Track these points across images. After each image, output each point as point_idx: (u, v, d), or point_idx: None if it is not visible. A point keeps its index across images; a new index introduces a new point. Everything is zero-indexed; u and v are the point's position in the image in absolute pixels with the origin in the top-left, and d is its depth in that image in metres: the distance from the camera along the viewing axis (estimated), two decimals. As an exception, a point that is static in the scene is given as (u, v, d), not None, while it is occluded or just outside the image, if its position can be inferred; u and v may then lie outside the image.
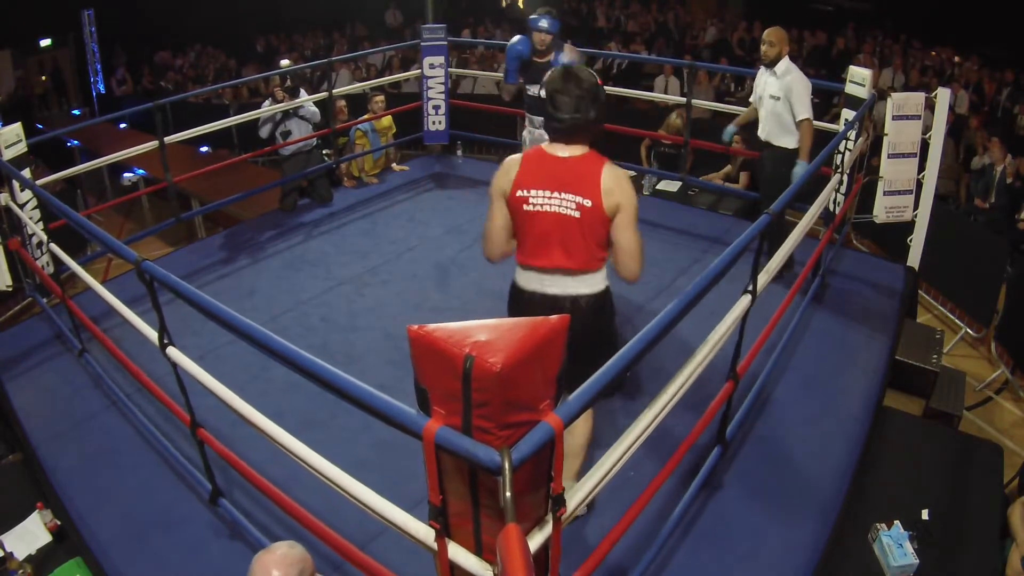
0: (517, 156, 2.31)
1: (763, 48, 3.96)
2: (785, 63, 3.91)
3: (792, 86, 3.84)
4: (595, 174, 2.19)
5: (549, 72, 2.34)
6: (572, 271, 2.29)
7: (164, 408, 2.77)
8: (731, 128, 4.51)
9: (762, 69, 4.07)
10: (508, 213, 2.30)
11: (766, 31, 3.99)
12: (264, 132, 5.29)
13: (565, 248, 2.25)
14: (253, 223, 5.30)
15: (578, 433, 2.44)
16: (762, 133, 4.13)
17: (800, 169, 3.86)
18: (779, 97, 3.90)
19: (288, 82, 5.19)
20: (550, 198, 2.21)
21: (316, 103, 5.45)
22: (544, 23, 4.12)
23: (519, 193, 2.24)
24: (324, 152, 5.80)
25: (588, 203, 2.18)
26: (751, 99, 4.30)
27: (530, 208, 2.23)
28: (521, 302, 2.40)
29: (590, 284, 2.33)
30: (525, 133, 4.47)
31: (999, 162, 6.20)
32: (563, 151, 2.23)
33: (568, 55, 4.16)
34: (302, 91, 5.37)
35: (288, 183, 5.42)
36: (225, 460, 2.42)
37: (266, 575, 1.53)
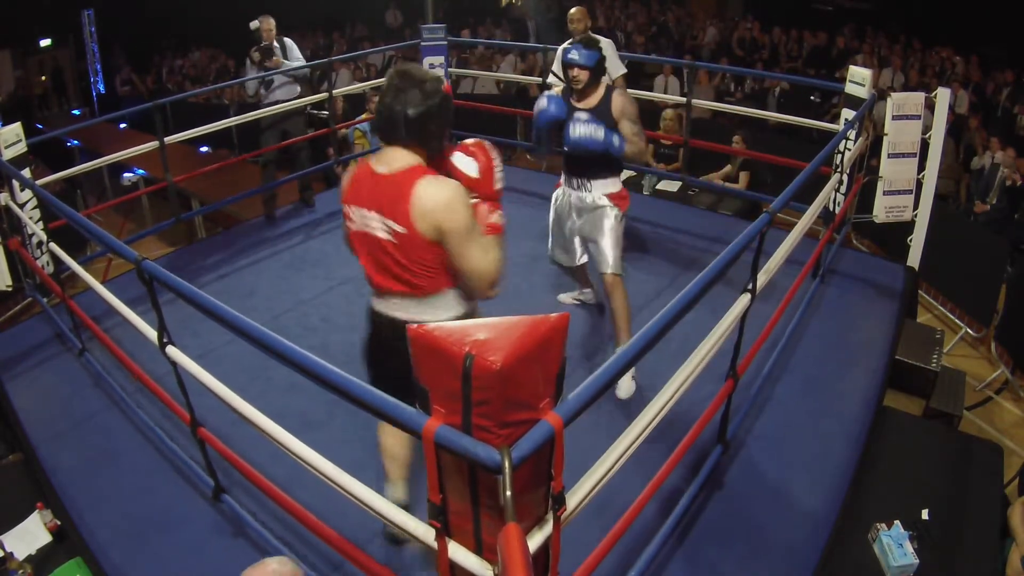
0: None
1: (572, 25, 4.51)
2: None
3: (604, 50, 4.27)
4: (407, 193, 1.89)
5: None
6: (412, 296, 2.05)
7: (164, 408, 2.77)
8: None
9: (569, 44, 4.41)
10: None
11: (573, 10, 4.52)
12: (251, 88, 5.27)
13: (394, 273, 2.02)
14: (253, 223, 5.30)
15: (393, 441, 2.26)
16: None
17: None
18: None
19: (264, 43, 5.16)
20: (364, 218, 1.99)
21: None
22: (574, 55, 3.13)
23: (344, 208, 2.06)
24: (312, 111, 5.66)
25: (402, 230, 1.92)
26: (550, 80, 4.77)
27: (350, 227, 2.07)
28: (377, 326, 2.17)
29: (435, 309, 2.06)
30: (558, 191, 3.50)
31: (1007, 165, 6.20)
32: (380, 165, 1.97)
33: (619, 100, 3.18)
34: (287, 44, 5.31)
35: (267, 152, 5.35)
36: (226, 459, 2.42)
37: None
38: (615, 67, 4.55)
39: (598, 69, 3.17)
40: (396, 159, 1.95)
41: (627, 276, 3.38)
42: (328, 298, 4.19)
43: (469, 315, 2.08)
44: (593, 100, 3.21)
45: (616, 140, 3.09)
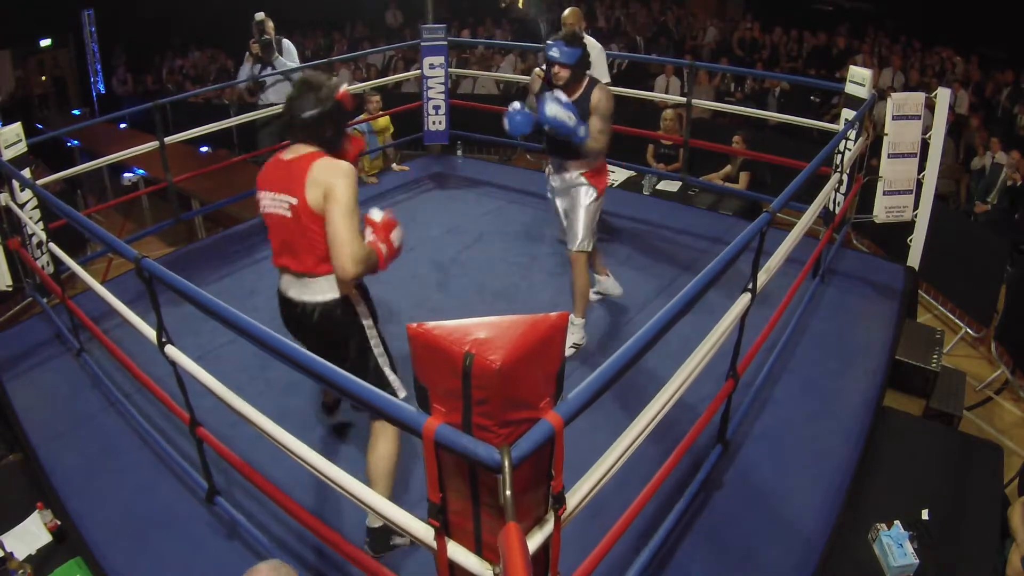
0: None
1: (566, 28, 4.37)
2: (584, 36, 4.41)
3: (593, 54, 4.29)
4: (304, 169, 2.16)
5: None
6: (298, 274, 2.27)
7: (164, 408, 2.77)
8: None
9: (551, 40, 4.64)
10: None
11: (566, 12, 4.42)
12: (243, 86, 5.27)
13: (290, 250, 2.26)
14: (253, 223, 5.29)
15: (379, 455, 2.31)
16: None
17: None
18: None
19: (264, 36, 5.13)
20: (273, 199, 2.24)
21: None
22: (555, 52, 3.20)
23: (257, 195, 2.30)
24: None
25: (295, 201, 2.17)
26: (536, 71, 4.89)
27: (263, 210, 2.29)
28: (280, 304, 2.42)
29: (314, 291, 2.28)
30: (548, 176, 3.64)
31: (1007, 165, 6.20)
32: (288, 154, 2.24)
33: (596, 96, 3.24)
34: (284, 44, 5.29)
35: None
36: (225, 459, 2.42)
37: None
38: (600, 74, 4.54)
39: (579, 66, 3.23)
40: (299, 151, 2.23)
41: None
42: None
43: (344, 300, 2.30)
44: (576, 92, 3.28)
45: (582, 131, 3.18)
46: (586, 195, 3.42)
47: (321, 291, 2.27)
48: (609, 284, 3.95)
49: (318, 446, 1.94)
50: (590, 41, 4.50)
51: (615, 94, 3.52)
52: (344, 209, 2.11)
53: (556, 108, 3.15)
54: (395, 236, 2.33)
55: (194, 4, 11.56)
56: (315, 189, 2.13)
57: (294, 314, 2.33)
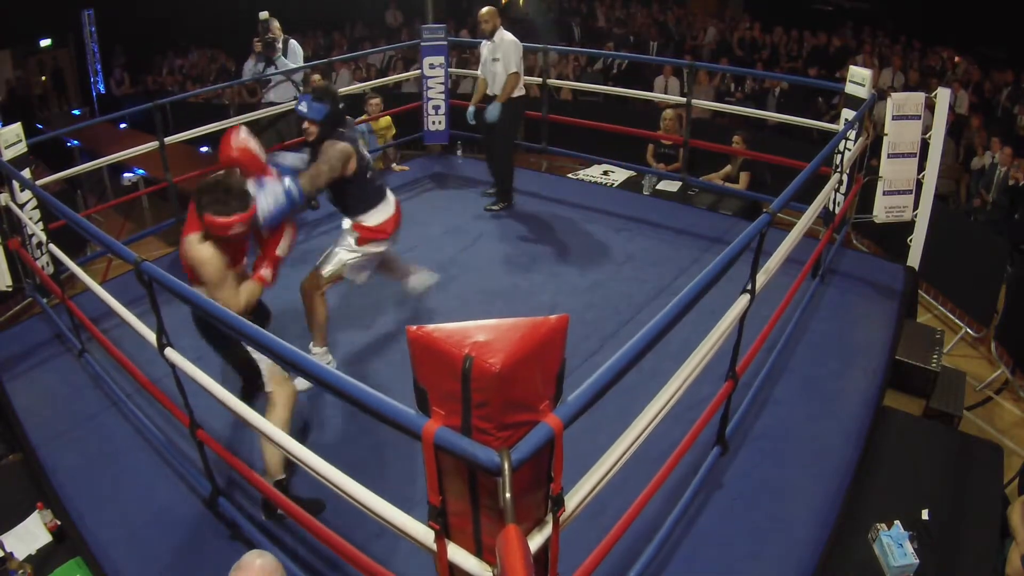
0: None
1: (481, 26, 4.86)
2: (500, 32, 4.82)
3: (506, 48, 4.77)
4: (184, 235, 2.72)
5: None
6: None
7: (164, 408, 2.77)
8: (472, 108, 5.11)
9: (484, 42, 4.95)
10: None
11: (483, 10, 4.84)
12: (247, 74, 5.36)
13: None
14: (253, 223, 5.29)
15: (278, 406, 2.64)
16: (492, 91, 4.95)
17: (493, 108, 4.82)
18: (498, 58, 4.82)
19: (267, 35, 5.18)
20: None
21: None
22: (303, 107, 3.02)
23: None
24: None
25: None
26: (479, 71, 5.08)
27: None
28: None
29: None
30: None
31: (1004, 163, 6.19)
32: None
33: (324, 149, 3.06)
34: (291, 45, 5.35)
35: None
36: (225, 461, 2.42)
37: None
38: (511, 64, 4.80)
39: (328, 122, 3.05)
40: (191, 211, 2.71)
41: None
42: (327, 298, 4.18)
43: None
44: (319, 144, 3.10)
45: (295, 192, 2.85)
46: (347, 242, 3.41)
47: None
48: (419, 279, 3.89)
49: (316, 447, 1.94)
50: (507, 36, 4.83)
51: (620, 94, 3.50)
52: (209, 287, 2.64)
53: (265, 204, 2.78)
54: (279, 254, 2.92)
55: (194, 4, 11.55)
56: (185, 258, 2.71)
57: None
